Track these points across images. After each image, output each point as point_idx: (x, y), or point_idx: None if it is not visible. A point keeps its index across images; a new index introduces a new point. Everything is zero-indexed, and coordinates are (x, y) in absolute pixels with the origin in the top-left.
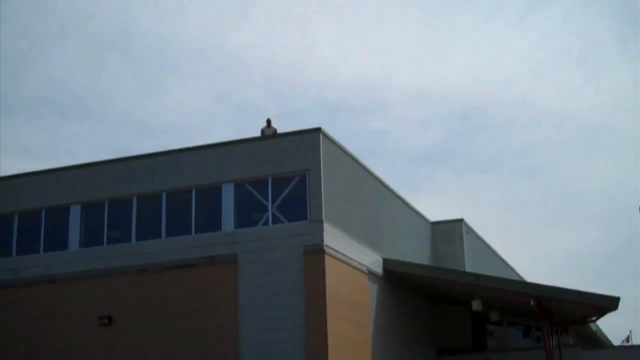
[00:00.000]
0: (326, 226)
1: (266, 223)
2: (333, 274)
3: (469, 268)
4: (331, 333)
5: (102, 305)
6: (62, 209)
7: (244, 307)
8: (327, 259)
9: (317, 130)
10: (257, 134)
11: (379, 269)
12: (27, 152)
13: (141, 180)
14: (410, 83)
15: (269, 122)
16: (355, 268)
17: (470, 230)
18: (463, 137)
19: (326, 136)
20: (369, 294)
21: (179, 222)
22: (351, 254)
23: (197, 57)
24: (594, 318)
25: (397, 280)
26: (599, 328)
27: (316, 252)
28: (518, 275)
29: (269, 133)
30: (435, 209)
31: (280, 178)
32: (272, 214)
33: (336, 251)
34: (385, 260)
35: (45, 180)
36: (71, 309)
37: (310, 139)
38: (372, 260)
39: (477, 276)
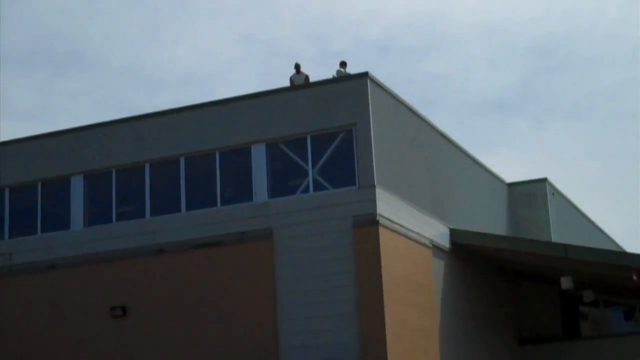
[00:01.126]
0: (379, 192)
1: (306, 190)
2: (390, 249)
3: (555, 238)
4: (390, 320)
5: (113, 294)
6: (62, 181)
7: (282, 292)
8: (381, 231)
9: (364, 75)
10: (286, 82)
11: (445, 242)
12: (15, 112)
13: (154, 144)
14: (473, 14)
15: (297, 67)
16: (417, 241)
17: (555, 191)
18: (542, 79)
19: (375, 82)
20: (433, 273)
21: (202, 193)
22: (411, 224)
23: None
24: None
25: (468, 255)
26: None
27: (368, 223)
28: (616, 244)
29: (298, 81)
30: (512, 168)
31: (321, 135)
32: (313, 179)
33: (392, 222)
34: (452, 232)
35: (39, 147)
36: (77, 299)
37: (356, 87)
38: (436, 231)
39: (566, 247)
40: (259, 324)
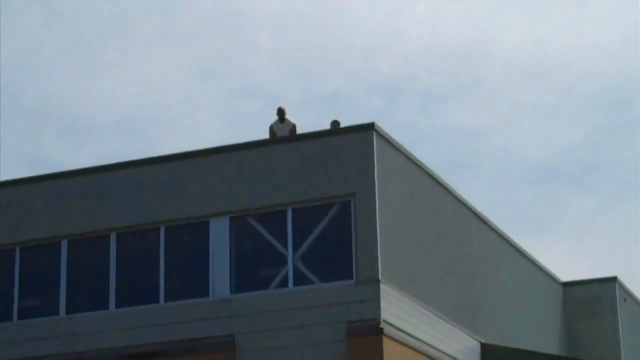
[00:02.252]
0: (385, 289)
1: (284, 284)
2: None
3: (627, 358)
4: None
5: None
6: None
7: None
8: (387, 344)
9: (369, 127)
10: (265, 134)
11: None
12: None
13: (75, 213)
14: (519, 48)
15: (281, 113)
16: (435, 359)
17: (628, 296)
18: (614, 139)
19: (383, 137)
20: None
21: (139, 283)
22: (427, 335)
23: (164, 11)
24: None
25: None
26: None
27: (369, 332)
28: None
29: (282, 132)
30: (569, 262)
31: (307, 208)
32: (295, 268)
33: (402, 331)
34: (485, 348)
35: None
36: None
37: (358, 143)
38: (462, 346)
39: None
40: None
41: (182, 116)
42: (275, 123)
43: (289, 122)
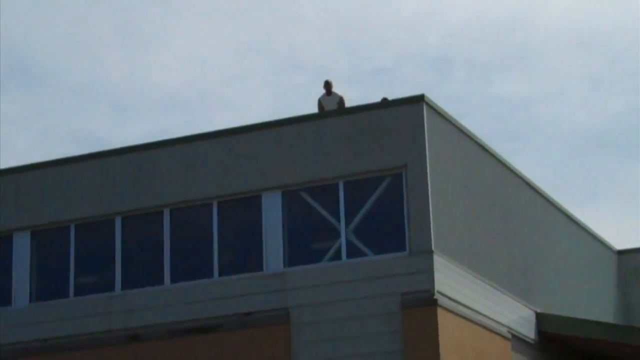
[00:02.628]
0: (438, 261)
1: (337, 257)
2: (452, 339)
3: None
4: None
5: None
6: (1, 239)
7: None
8: (441, 314)
9: (419, 99)
10: (313, 108)
11: (529, 332)
12: None
13: (127, 190)
14: (568, 18)
15: (328, 86)
16: (490, 330)
17: None
18: None
19: (433, 109)
20: None
21: (193, 258)
22: (482, 306)
23: None
24: None
25: (561, 350)
26: None
27: (423, 303)
28: None
29: (330, 106)
30: (624, 230)
31: (359, 181)
32: (348, 241)
33: (456, 302)
34: (540, 317)
35: None
36: None
37: (408, 115)
38: (517, 316)
39: None
40: None
41: (230, 92)
42: (322, 96)
43: (337, 95)
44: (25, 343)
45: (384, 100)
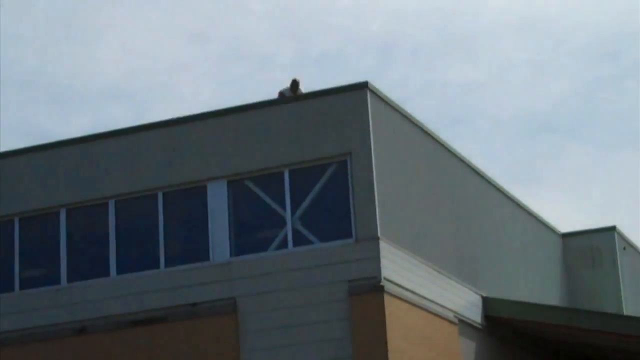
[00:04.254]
0: (385, 247)
1: (283, 246)
2: (400, 326)
3: (628, 309)
4: None
5: None
6: None
7: None
8: (388, 301)
9: (363, 86)
10: (256, 97)
11: (476, 316)
12: None
13: (71, 182)
14: (515, 4)
15: (295, 84)
16: (437, 315)
17: (628, 245)
18: (608, 90)
19: (377, 96)
20: (461, 356)
21: (138, 249)
22: (429, 291)
23: None
24: None
25: (507, 334)
26: None
27: (370, 290)
28: None
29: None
30: (568, 213)
31: (304, 169)
32: (294, 229)
33: (403, 288)
34: (486, 301)
35: None
36: None
37: (352, 103)
38: (464, 301)
39: None
40: None
41: (173, 81)
42: (286, 90)
43: (300, 92)
44: None
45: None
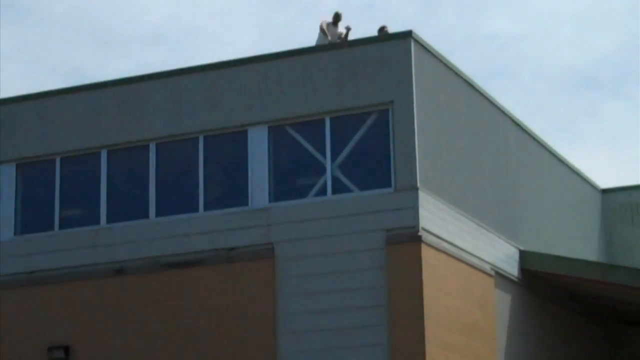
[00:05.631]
0: (424, 197)
1: (322, 193)
2: (436, 276)
3: None
4: None
5: (53, 330)
6: None
7: (285, 331)
8: (425, 251)
9: (407, 35)
10: (300, 43)
11: (513, 269)
12: None
13: (113, 123)
14: None
15: (337, 17)
16: (474, 267)
17: None
18: None
19: (421, 45)
20: (496, 310)
21: (178, 192)
22: (466, 243)
23: None
24: None
25: (543, 288)
26: None
27: (408, 240)
28: None
29: (334, 36)
30: (609, 169)
31: (345, 117)
32: (333, 177)
33: (441, 239)
34: (524, 255)
35: None
36: (3, 334)
37: (395, 52)
38: (501, 254)
39: None
40: None
41: (216, 27)
42: (328, 24)
43: (341, 29)
44: (10, 275)
45: (382, 29)
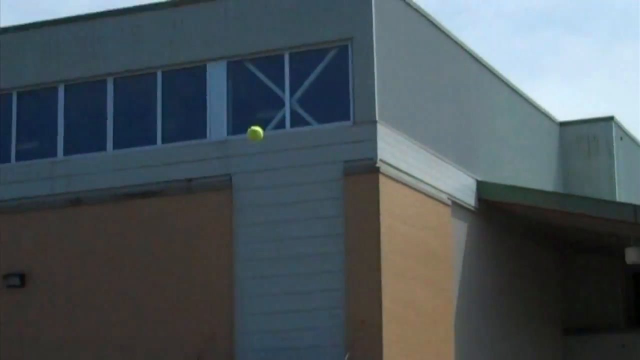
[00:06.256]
0: (382, 129)
1: (281, 126)
2: (393, 206)
3: (621, 196)
4: (388, 300)
5: (9, 258)
6: None
7: (242, 260)
8: (383, 181)
9: None
10: None
11: (470, 199)
12: None
13: (70, 58)
14: None
15: None
16: (431, 196)
17: (624, 135)
18: None
19: None
20: (452, 239)
21: (136, 125)
22: (423, 173)
23: None
24: None
25: (500, 217)
26: None
27: (365, 171)
28: None
29: None
30: (566, 102)
31: (304, 52)
32: (292, 110)
33: (398, 170)
34: (480, 185)
35: None
36: None
37: None
38: (458, 184)
39: (636, 209)
40: (210, 304)
41: None
42: None
43: None
44: None
45: None
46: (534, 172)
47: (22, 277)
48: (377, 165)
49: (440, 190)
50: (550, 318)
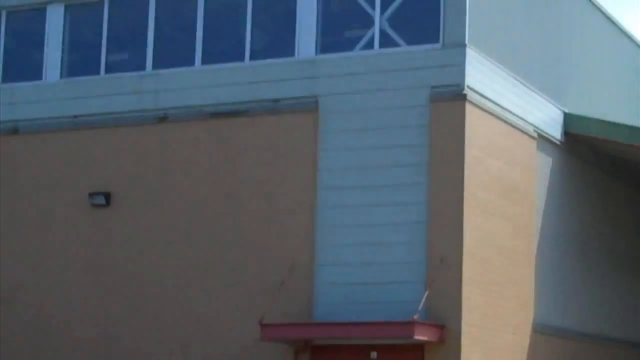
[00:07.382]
0: (471, 54)
1: (369, 46)
2: (479, 136)
3: None
4: (470, 235)
5: (94, 175)
6: (33, 12)
7: (325, 186)
8: (469, 110)
9: None
10: None
11: (556, 132)
12: None
13: None
14: None
15: None
16: (517, 128)
17: None
18: None
19: None
20: (537, 173)
21: (224, 40)
22: (511, 103)
23: None
24: None
25: (587, 152)
26: None
27: (452, 97)
28: None
29: None
30: None
31: None
32: (381, 30)
33: (486, 98)
34: (568, 117)
35: None
36: (45, 177)
37: None
38: (545, 116)
39: None
40: (291, 228)
41: None
42: None
43: None
44: (55, 118)
45: None
46: (625, 105)
47: (107, 196)
48: (465, 92)
49: (527, 122)
50: (633, 262)
